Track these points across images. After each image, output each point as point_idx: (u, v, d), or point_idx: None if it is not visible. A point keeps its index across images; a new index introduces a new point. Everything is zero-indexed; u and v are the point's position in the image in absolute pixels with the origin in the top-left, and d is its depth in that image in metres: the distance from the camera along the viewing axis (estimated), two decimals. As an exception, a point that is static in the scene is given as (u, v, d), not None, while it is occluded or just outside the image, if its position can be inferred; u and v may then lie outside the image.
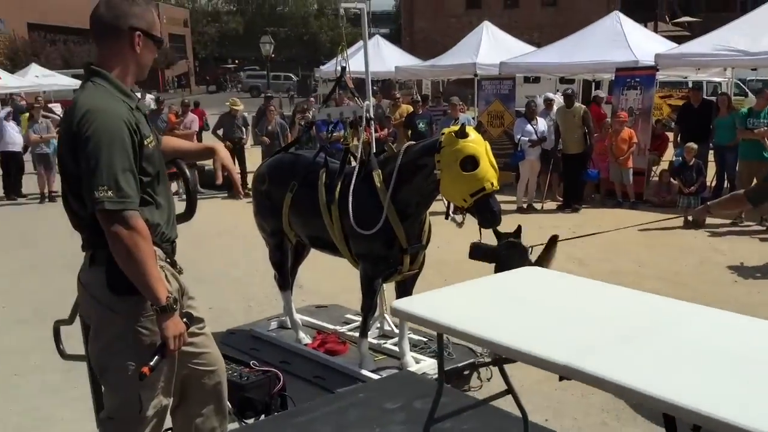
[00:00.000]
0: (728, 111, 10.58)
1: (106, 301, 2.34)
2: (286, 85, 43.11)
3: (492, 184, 4.18)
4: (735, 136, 9.98)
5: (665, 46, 12.80)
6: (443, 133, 4.32)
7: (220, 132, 12.67)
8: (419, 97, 14.49)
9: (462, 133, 4.18)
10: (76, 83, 27.52)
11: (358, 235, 4.58)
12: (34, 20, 37.71)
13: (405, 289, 4.92)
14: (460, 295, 2.44)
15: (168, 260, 2.51)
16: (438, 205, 4.62)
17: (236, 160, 12.34)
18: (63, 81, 26.31)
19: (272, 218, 5.22)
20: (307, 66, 46.89)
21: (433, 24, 37.15)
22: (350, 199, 4.56)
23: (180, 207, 2.90)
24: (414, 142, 4.64)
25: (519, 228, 4.73)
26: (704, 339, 1.97)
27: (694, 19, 37.79)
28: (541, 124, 10.58)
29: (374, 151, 4.99)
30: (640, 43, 12.32)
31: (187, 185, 2.60)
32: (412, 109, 12.87)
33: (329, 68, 19.65)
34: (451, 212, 4.47)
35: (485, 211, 4.19)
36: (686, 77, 16.36)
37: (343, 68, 5.01)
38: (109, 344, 2.37)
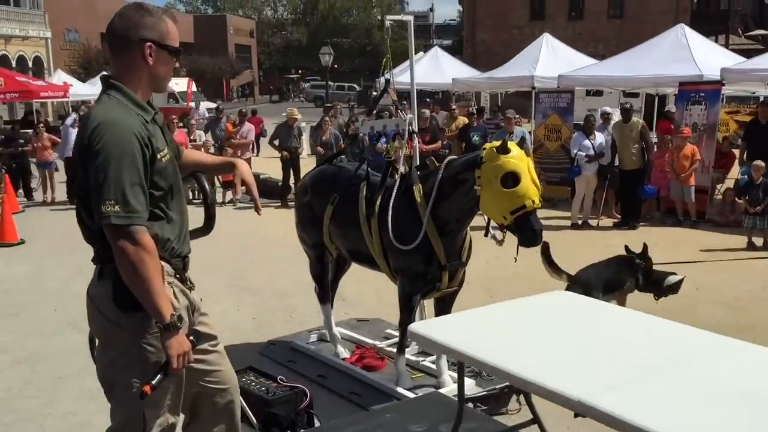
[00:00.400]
0: (799, 128, 10.10)
1: (112, 316, 2.32)
2: (348, 96, 43.46)
3: (533, 201, 4.04)
4: (805, 154, 9.50)
5: (732, 60, 12.32)
6: (485, 148, 4.22)
7: (276, 142, 12.80)
8: (475, 110, 14.35)
9: (504, 149, 4.07)
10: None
11: (396, 250, 4.51)
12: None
13: (444, 307, 4.82)
14: (480, 320, 2.34)
15: (177, 276, 2.47)
16: (481, 221, 4.50)
17: (292, 170, 12.45)
18: (131, 90, 27.07)
19: (313, 230, 5.20)
20: (369, 77, 47.18)
21: (495, 35, 36.87)
22: (389, 213, 4.51)
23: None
24: (455, 157, 4.54)
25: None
26: (731, 377, 1.81)
27: (769, 33, 36.44)
28: (599, 138, 10.30)
29: (416, 164, 4.93)
30: (706, 56, 11.88)
31: (205, 199, 2.58)
32: (467, 122, 12.74)
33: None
34: (491, 229, 4.34)
35: (526, 230, 4.06)
36: (754, 92, 15.73)
37: (387, 81, 4.96)
38: (114, 360, 2.35)
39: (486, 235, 4.42)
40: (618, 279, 5.92)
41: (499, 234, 4.28)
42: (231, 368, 2.71)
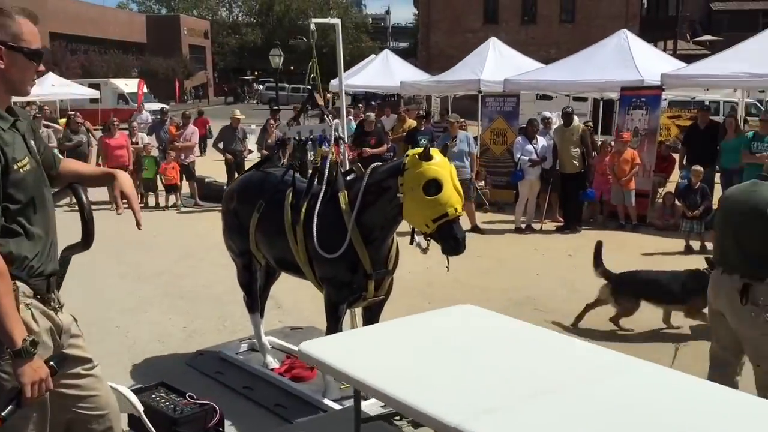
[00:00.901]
0: (735, 133, 10.30)
1: None
2: (303, 98, 43.12)
3: (456, 209, 4.00)
4: (741, 159, 9.69)
5: (673, 66, 12.55)
6: (407, 155, 4.16)
7: (221, 145, 12.59)
8: (424, 113, 14.35)
9: (426, 156, 4.02)
10: (93, 93, 27.77)
11: (321, 259, 4.43)
12: (56, 30, 38.12)
13: (371, 316, 4.76)
14: (375, 338, 2.26)
15: (38, 297, 2.31)
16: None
17: (237, 173, 12.25)
18: (79, 90, 26.54)
19: (239, 238, 5.09)
20: (326, 79, 46.90)
21: (449, 39, 37.01)
22: (315, 220, 4.42)
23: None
24: (381, 163, 4.47)
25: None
26: (624, 398, 1.76)
27: (716, 38, 37.33)
28: (541, 142, 10.37)
29: (344, 170, 4.84)
30: (647, 62, 12.07)
31: (82, 212, 2.42)
32: (416, 125, 12.72)
33: (337, 82, 19.57)
34: (416, 237, 4.28)
35: (448, 238, 4.01)
36: (694, 97, 16.05)
37: (313, 85, 4.86)
38: None
39: (411, 243, 4.37)
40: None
41: (423, 242, 4.22)
42: (110, 393, 2.56)
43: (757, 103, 19.62)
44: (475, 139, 12.31)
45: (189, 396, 3.59)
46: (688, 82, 11.28)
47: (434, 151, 4.09)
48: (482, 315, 2.58)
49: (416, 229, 4.22)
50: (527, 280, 7.95)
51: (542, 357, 2.10)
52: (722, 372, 4.30)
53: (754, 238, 3.91)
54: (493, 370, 1.94)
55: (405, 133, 12.76)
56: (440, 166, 4.03)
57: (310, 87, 4.92)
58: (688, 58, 17.21)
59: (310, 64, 4.84)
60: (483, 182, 12.33)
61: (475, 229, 10.42)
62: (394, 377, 1.89)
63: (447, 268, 4.14)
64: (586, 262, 8.77)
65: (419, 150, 4.10)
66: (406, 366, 2.00)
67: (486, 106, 13.03)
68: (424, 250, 4.24)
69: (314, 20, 4.87)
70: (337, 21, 4.91)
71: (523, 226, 10.55)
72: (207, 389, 4.71)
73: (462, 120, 11.54)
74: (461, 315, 2.51)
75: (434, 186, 3.95)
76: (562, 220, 10.73)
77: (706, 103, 18.47)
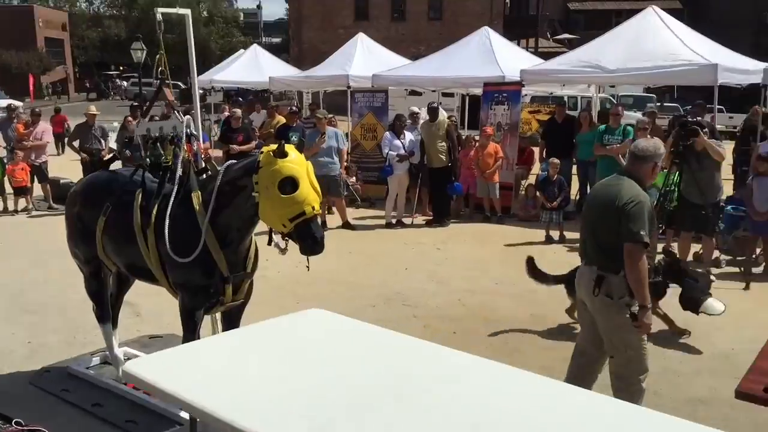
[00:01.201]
0: (589, 127, 10.83)
1: None
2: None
3: (313, 208, 3.88)
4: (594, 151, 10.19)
5: (533, 62, 13.04)
6: (261, 152, 4.00)
7: (76, 143, 11.80)
8: (296, 109, 14.12)
9: (281, 153, 3.87)
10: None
11: (174, 263, 4.19)
12: None
13: (231, 321, 4.56)
14: (212, 352, 2.09)
15: None
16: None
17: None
18: None
19: (85, 244, 4.74)
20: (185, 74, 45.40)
21: (321, 35, 36.83)
22: (167, 223, 4.16)
23: None
24: (236, 161, 4.28)
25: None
26: (472, 398, 1.70)
27: (574, 36, 39.37)
28: (409, 137, 10.45)
29: (197, 169, 4.60)
30: (508, 59, 12.49)
31: None
32: (285, 121, 12.48)
33: (205, 78, 18.97)
34: (274, 237, 4.12)
35: (306, 238, 3.88)
36: (552, 93, 16.81)
37: (161, 79, 4.59)
38: None
39: (269, 243, 4.20)
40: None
41: (282, 242, 4.08)
42: None
43: (611, 98, 20.88)
44: (347, 135, 12.27)
45: (16, 423, 3.25)
46: (546, 78, 11.77)
47: (290, 148, 3.94)
48: (330, 320, 2.46)
49: (274, 229, 4.06)
50: (397, 275, 7.97)
51: (389, 362, 2.01)
52: (580, 362, 4.44)
53: (607, 230, 4.05)
54: (326, 381, 1.82)
55: (274, 130, 12.49)
56: (296, 163, 3.89)
57: (158, 81, 4.62)
58: (549, 56, 17.98)
59: (158, 57, 4.55)
60: (354, 178, 12.29)
61: (346, 225, 10.36)
62: (230, 400, 1.74)
63: (307, 267, 4.03)
64: (455, 254, 8.97)
65: (274, 147, 3.94)
66: (246, 386, 1.85)
67: (355, 101, 13.01)
68: (283, 251, 4.10)
69: (161, 10, 4.58)
70: (186, 11, 4.65)
71: (394, 221, 10.60)
72: (50, 410, 4.35)
73: (331, 116, 11.45)
74: (308, 321, 2.39)
75: (290, 184, 3.82)
76: (432, 214, 10.87)
77: (565, 98, 19.43)
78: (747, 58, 11.60)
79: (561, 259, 8.64)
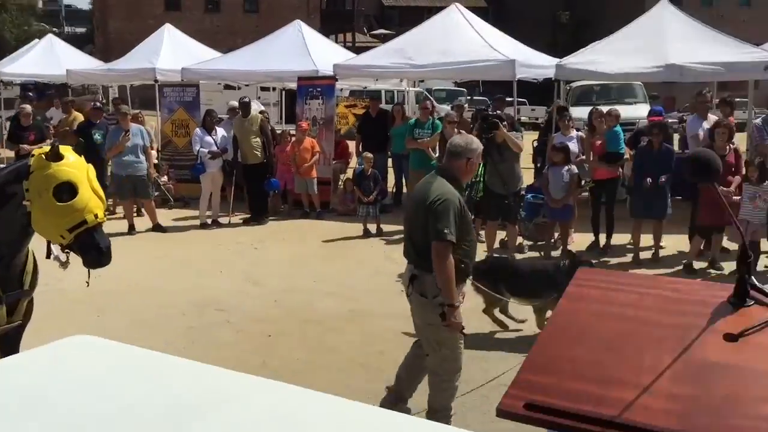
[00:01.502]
0: (402, 121, 11.04)
1: None
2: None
3: (96, 216, 3.49)
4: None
5: (347, 57, 13.09)
6: (32, 155, 3.55)
7: None
8: (99, 104, 13.12)
9: (55, 155, 3.45)
10: None
11: (-69, 286, 3.61)
12: None
13: (9, 346, 4.02)
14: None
15: None
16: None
17: None
18: None
19: None
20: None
21: (128, 25, 34.67)
22: None
23: None
24: (3, 166, 3.78)
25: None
26: (251, 421, 1.52)
27: (390, 32, 40.38)
28: (220, 133, 10.07)
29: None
30: (322, 53, 12.42)
31: None
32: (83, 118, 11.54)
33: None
34: (53, 250, 3.69)
35: (90, 249, 3.51)
36: (365, 87, 17.05)
37: None
38: None
39: (48, 256, 3.76)
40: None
41: (62, 255, 3.65)
42: None
43: (426, 93, 21.58)
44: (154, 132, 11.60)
45: None
46: (358, 73, 11.86)
47: (66, 149, 3.54)
48: (99, 348, 2.16)
49: (52, 241, 3.63)
50: (211, 278, 7.61)
51: (165, 390, 1.76)
52: (417, 352, 4.42)
53: (419, 229, 4.04)
54: (108, 420, 1.56)
55: (70, 128, 11.52)
56: (73, 166, 3.50)
57: None
58: (365, 51, 18.17)
59: None
60: (166, 177, 11.66)
61: (157, 227, 9.79)
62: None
63: (87, 283, 3.64)
64: (272, 253, 8.76)
65: (47, 149, 3.51)
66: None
67: (164, 96, 12.34)
68: (64, 264, 3.67)
69: None
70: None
71: (209, 221, 10.17)
72: None
73: (137, 111, 10.76)
74: (72, 353, 2.07)
75: (67, 190, 3.41)
76: (249, 211, 10.56)
77: (383, 92, 19.78)
78: (543, 55, 12.35)
79: (379, 253, 8.75)
